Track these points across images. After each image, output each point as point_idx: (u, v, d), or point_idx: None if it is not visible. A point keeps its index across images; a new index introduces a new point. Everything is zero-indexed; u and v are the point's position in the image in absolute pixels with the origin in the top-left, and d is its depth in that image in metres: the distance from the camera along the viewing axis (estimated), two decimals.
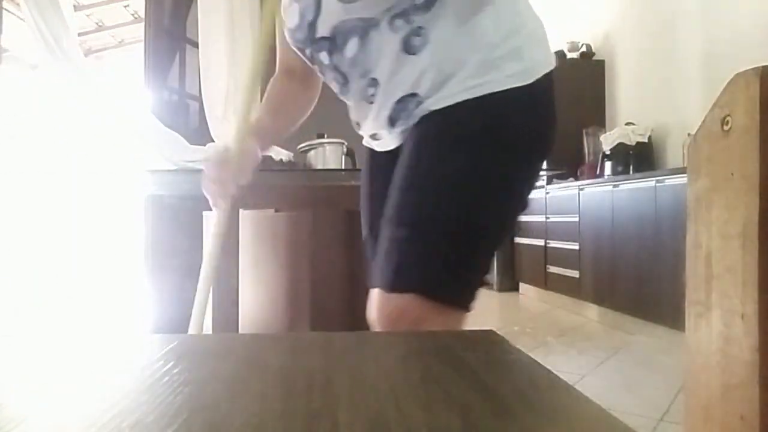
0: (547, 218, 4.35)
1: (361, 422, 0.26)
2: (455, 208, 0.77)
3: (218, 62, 2.57)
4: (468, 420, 0.27)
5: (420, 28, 0.78)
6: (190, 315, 1.01)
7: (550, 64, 0.95)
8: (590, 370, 2.44)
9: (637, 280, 3.11)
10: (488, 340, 0.45)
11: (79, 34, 4.98)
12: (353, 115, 0.96)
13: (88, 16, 5.41)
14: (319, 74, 0.95)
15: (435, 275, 0.77)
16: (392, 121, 0.85)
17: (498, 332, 0.46)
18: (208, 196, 0.93)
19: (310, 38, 0.84)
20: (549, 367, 0.35)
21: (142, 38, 2.86)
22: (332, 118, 2.98)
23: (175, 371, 0.35)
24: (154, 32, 2.80)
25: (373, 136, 0.94)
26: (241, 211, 1.75)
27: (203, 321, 1.00)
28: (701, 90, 3.35)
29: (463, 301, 0.80)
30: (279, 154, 1.88)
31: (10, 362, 0.39)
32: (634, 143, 3.67)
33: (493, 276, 5.24)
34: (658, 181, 2.94)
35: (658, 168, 3.62)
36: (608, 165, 3.85)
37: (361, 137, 1.00)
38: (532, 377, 0.35)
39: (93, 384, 0.34)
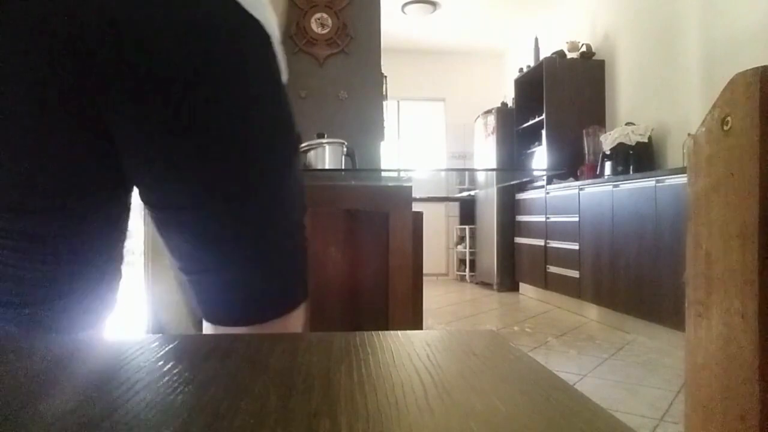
0: (547, 218, 4.35)
1: (361, 422, 0.26)
2: None
3: None
4: (468, 420, 0.27)
5: None
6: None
7: None
8: (590, 370, 2.45)
9: (637, 280, 3.11)
10: (488, 340, 0.45)
11: None
12: None
13: None
14: None
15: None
16: None
17: (498, 332, 0.46)
18: None
19: None
20: (549, 367, 0.35)
21: None
22: (332, 118, 2.99)
23: (175, 371, 0.35)
24: None
25: None
26: None
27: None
28: (701, 90, 3.35)
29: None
30: None
31: (9, 362, 0.39)
32: (634, 143, 3.68)
33: (493, 276, 5.24)
34: (658, 181, 2.94)
35: (658, 168, 3.62)
36: (608, 165, 3.85)
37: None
38: (532, 377, 0.35)
39: (92, 384, 0.34)
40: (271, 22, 0.66)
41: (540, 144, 4.73)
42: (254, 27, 0.63)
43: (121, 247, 0.72)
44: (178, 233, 0.67)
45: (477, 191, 5.60)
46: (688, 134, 3.47)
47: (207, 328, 0.72)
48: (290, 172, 0.71)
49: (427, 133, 6.43)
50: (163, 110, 0.59)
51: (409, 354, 0.40)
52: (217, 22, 0.61)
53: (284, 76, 0.70)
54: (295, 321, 0.73)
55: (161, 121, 0.59)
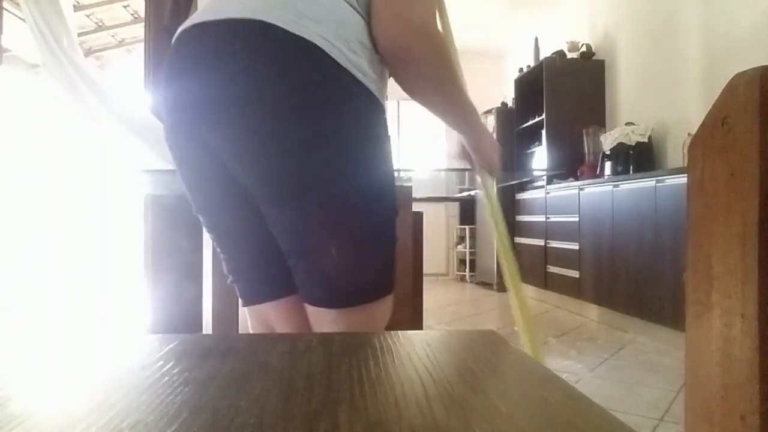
0: (547, 218, 4.35)
1: (361, 422, 0.26)
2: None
3: None
4: (468, 420, 0.27)
5: None
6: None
7: None
8: (590, 370, 2.44)
9: (637, 280, 3.11)
10: (488, 340, 0.45)
11: (79, 34, 4.98)
12: None
13: (88, 16, 5.41)
14: None
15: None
16: None
17: (498, 332, 0.46)
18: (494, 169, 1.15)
19: None
20: (549, 367, 0.35)
21: (142, 38, 2.86)
22: None
23: (175, 371, 0.35)
24: (154, 32, 2.80)
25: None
26: None
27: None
28: (701, 90, 3.35)
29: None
30: None
31: (11, 361, 0.39)
32: (634, 143, 3.67)
33: (493, 276, 5.24)
34: (658, 181, 2.94)
35: (658, 168, 3.62)
36: (608, 165, 3.85)
37: None
38: (531, 377, 0.35)
39: (93, 384, 0.34)
40: (330, 40, 0.73)
41: (540, 144, 4.72)
42: (305, 49, 0.72)
43: None
44: (270, 223, 0.81)
45: (477, 191, 5.59)
46: (688, 134, 3.45)
47: (308, 309, 0.84)
48: (371, 172, 0.79)
49: (427, 133, 6.43)
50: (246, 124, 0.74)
51: (409, 354, 0.40)
52: (273, 48, 0.72)
53: (362, 78, 0.76)
54: (379, 311, 0.83)
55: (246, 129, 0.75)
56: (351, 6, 0.78)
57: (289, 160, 0.74)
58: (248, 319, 0.98)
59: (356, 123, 0.76)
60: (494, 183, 1.17)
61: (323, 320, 0.81)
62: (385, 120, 0.81)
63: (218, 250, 0.94)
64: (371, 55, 0.79)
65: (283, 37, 0.71)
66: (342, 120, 0.75)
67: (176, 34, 0.82)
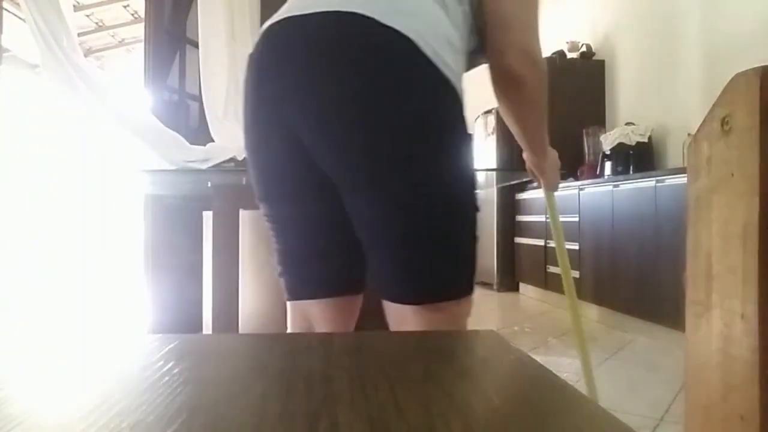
0: (547, 218, 4.35)
1: (361, 422, 0.26)
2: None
3: (218, 62, 2.57)
4: (468, 420, 0.27)
5: None
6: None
7: None
8: None
9: (637, 280, 3.10)
10: (488, 340, 0.45)
11: (79, 34, 4.98)
12: None
13: (88, 16, 5.42)
14: None
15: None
16: None
17: (498, 332, 0.46)
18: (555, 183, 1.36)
19: None
20: (549, 367, 0.35)
21: (142, 38, 2.87)
22: None
23: (175, 371, 0.35)
24: (154, 32, 2.80)
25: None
26: (241, 211, 1.75)
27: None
28: (701, 90, 3.34)
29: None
30: None
31: (11, 361, 0.39)
32: (634, 143, 3.67)
33: (493, 276, 5.24)
34: (658, 181, 2.94)
35: (658, 168, 3.62)
36: (608, 165, 3.85)
37: None
38: (532, 377, 0.35)
39: (93, 384, 0.34)
40: (422, 34, 0.74)
41: None
42: (398, 42, 0.73)
43: None
44: (350, 213, 0.80)
45: (477, 191, 5.58)
46: (688, 134, 3.45)
47: (388, 307, 0.82)
48: (455, 168, 0.80)
49: None
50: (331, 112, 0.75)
51: (409, 354, 0.40)
52: (361, 40, 0.74)
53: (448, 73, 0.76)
54: (461, 311, 0.82)
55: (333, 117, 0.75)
56: (436, 2, 0.79)
57: (376, 148, 0.74)
58: (288, 314, 0.96)
59: (443, 118, 0.77)
60: (554, 197, 1.40)
61: (405, 318, 0.79)
62: (465, 117, 0.82)
63: (273, 240, 0.93)
64: (455, 53, 0.80)
65: (378, 29, 0.72)
66: (431, 114, 0.76)
67: (265, 28, 0.83)
